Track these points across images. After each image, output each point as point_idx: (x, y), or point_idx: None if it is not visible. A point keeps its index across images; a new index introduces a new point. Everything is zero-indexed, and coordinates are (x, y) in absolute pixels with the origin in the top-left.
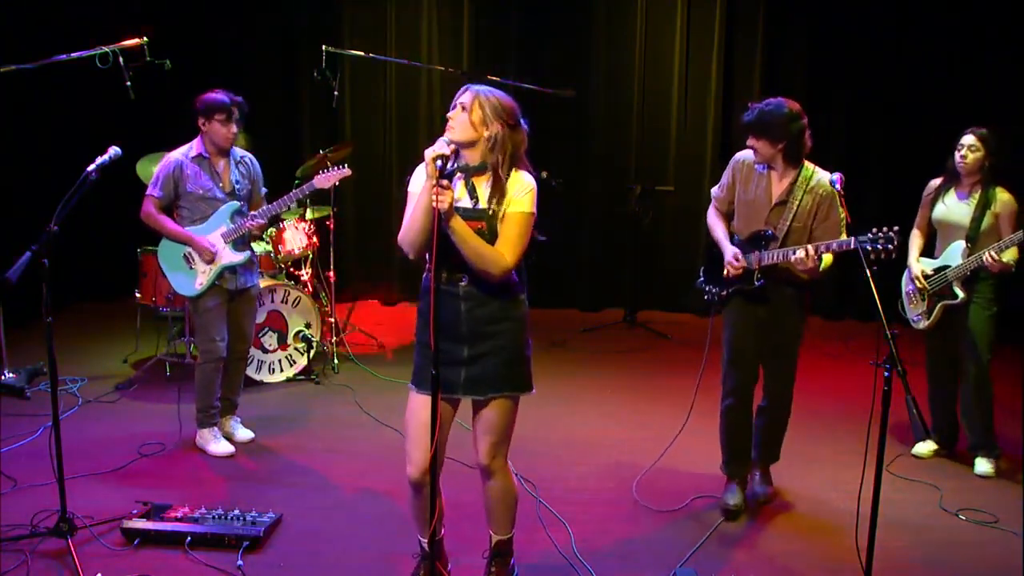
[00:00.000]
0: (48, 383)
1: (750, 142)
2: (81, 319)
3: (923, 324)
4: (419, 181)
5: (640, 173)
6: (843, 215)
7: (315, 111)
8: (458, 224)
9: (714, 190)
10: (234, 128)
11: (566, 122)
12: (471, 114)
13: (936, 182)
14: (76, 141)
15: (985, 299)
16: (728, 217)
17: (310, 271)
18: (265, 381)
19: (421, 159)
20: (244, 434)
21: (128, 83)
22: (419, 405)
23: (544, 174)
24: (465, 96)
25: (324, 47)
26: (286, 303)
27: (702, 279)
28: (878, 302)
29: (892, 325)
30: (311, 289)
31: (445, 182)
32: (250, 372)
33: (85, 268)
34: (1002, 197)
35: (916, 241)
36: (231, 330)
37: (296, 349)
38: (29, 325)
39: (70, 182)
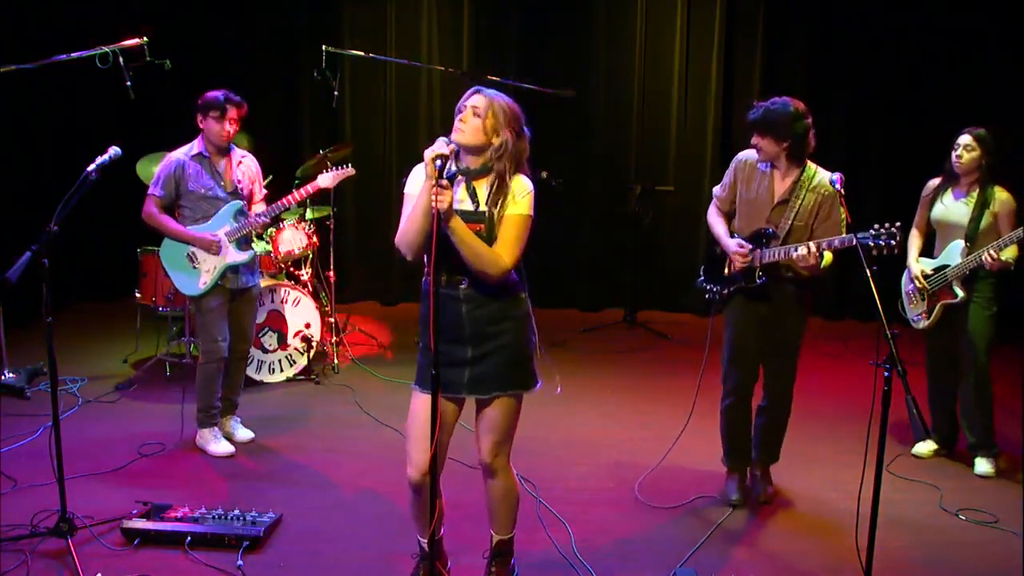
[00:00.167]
0: (48, 383)
1: (754, 140)
2: (81, 319)
3: (923, 324)
4: (416, 182)
5: (640, 173)
6: (844, 215)
7: (315, 111)
8: (457, 225)
9: (716, 189)
10: (228, 126)
11: (566, 122)
12: (485, 120)
13: (935, 182)
14: (76, 141)
15: (985, 298)
16: (729, 217)
17: (310, 271)
18: (265, 381)
19: (421, 159)
20: (244, 434)
21: (128, 83)
22: (421, 406)
23: (544, 174)
24: (478, 100)
25: (324, 47)
26: (286, 303)
27: (702, 278)
28: (878, 302)
29: (892, 325)
30: (311, 289)
31: (445, 182)
32: (250, 372)
33: (85, 268)
34: (1000, 196)
35: (915, 241)
36: (232, 330)
37: (296, 349)
38: (29, 325)
39: (70, 182)
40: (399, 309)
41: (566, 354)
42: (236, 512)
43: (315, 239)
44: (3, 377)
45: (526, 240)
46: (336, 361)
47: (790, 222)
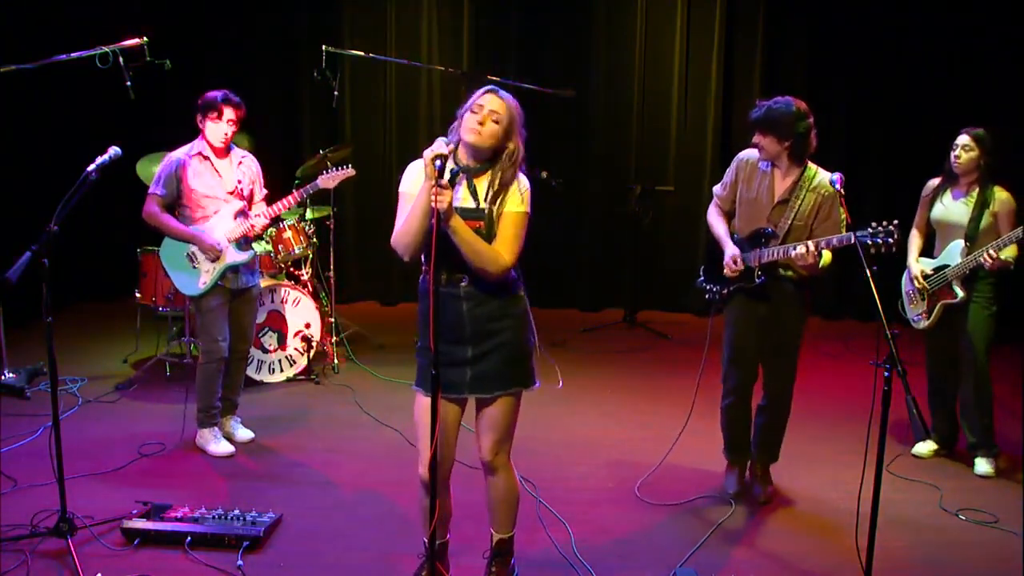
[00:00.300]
0: (48, 383)
1: (756, 139)
2: (81, 319)
3: (923, 324)
4: (413, 180)
5: (640, 173)
6: (843, 215)
7: (315, 111)
8: (457, 224)
9: (716, 188)
10: (225, 127)
11: (566, 122)
12: (505, 125)
13: (934, 182)
14: (76, 141)
15: (985, 299)
16: (729, 216)
17: (310, 271)
18: (265, 381)
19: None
20: (244, 434)
21: (128, 83)
22: (427, 406)
23: (544, 174)
24: (497, 105)
25: (324, 47)
26: (286, 303)
27: (702, 278)
28: (878, 302)
29: (892, 325)
30: (311, 289)
31: (444, 182)
32: (250, 372)
33: (85, 268)
34: (1000, 196)
35: (915, 241)
36: (232, 330)
37: (296, 349)
38: (29, 325)
39: (70, 182)
40: (399, 309)
41: (566, 354)
42: (236, 512)
43: (315, 239)
44: (3, 377)
45: (524, 237)
46: (336, 361)
47: (790, 222)
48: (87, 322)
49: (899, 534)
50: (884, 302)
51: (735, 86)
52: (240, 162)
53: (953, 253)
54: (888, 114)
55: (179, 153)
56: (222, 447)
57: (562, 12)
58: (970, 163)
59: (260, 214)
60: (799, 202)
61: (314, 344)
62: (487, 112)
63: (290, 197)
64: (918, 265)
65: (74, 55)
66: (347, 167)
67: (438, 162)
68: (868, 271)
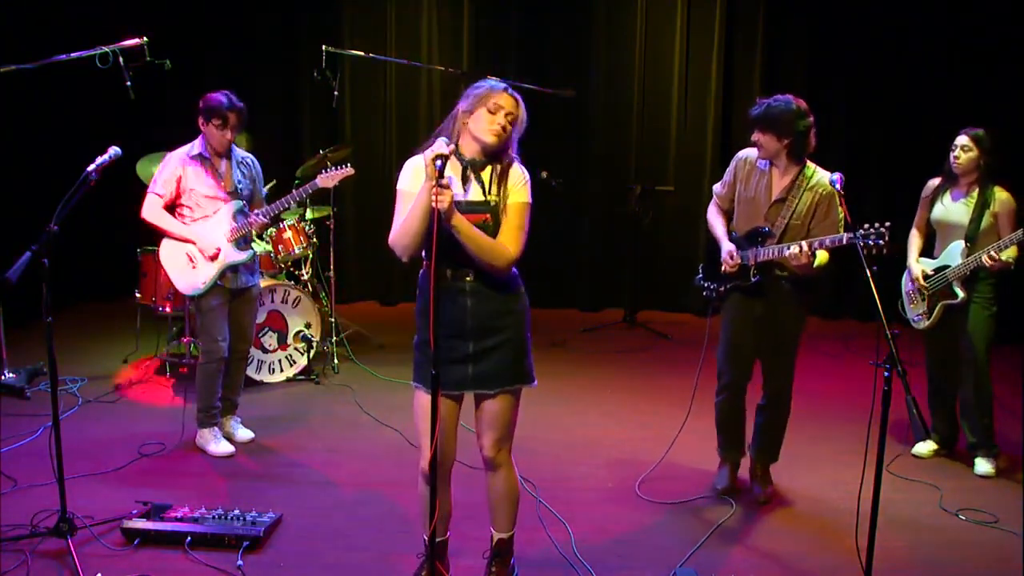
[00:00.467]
0: (48, 383)
1: (755, 136)
2: (81, 319)
3: (923, 324)
4: (410, 178)
5: (640, 173)
6: (842, 215)
7: (315, 111)
8: (460, 222)
9: (716, 187)
10: (229, 135)
11: (566, 122)
12: (517, 124)
13: (935, 182)
14: (76, 141)
15: (985, 299)
16: (729, 215)
17: (310, 271)
18: (265, 381)
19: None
20: (244, 434)
21: (128, 83)
22: (427, 403)
23: (544, 174)
24: (512, 105)
25: (324, 47)
26: (286, 303)
27: (701, 276)
28: (878, 302)
29: (892, 325)
30: (311, 289)
31: (445, 182)
32: (250, 372)
33: (85, 268)
34: (1000, 196)
35: (915, 241)
36: (232, 330)
37: (296, 349)
38: (29, 325)
39: (70, 182)
40: (399, 309)
41: (566, 354)
42: (236, 512)
43: (315, 239)
44: (3, 377)
45: (528, 228)
46: (336, 361)
47: (787, 220)
48: (87, 322)
49: (899, 534)
50: (884, 302)
51: (735, 86)
52: (240, 162)
53: (953, 254)
54: (888, 114)
55: (179, 153)
56: (222, 447)
57: (562, 12)
58: (969, 163)
59: (259, 214)
60: (796, 201)
61: (314, 344)
62: (505, 114)
63: (288, 197)
64: (918, 265)
65: (74, 55)
66: (347, 166)
67: (439, 162)
68: (868, 271)
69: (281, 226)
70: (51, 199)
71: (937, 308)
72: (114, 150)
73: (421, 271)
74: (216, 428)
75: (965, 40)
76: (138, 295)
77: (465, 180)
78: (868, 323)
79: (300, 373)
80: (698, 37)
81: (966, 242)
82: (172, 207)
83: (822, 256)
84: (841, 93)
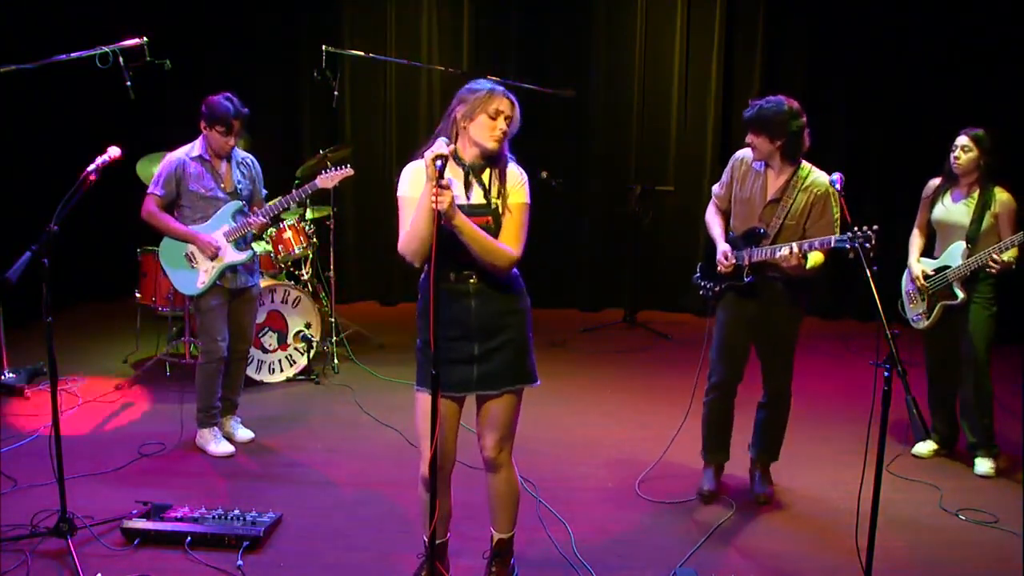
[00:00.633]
0: (48, 383)
1: (749, 138)
2: (81, 319)
3: (923, 324)
4: (410, 184)
5: (640, 173)
6: (838, 215)
7: (315, 111)
8: (462, 222)
9: (715, 187)
10: (231, 141)
11: (566, 122)
12: (514, 125)
13: (935, 182)
14: (76, 141)
15: (985, 299)
16: (727, 215)
17: (310, 271)
18: (265, 381)
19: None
20: (244, 434)
21: (128, 83)
22: (429, 404)
23: (544, 174)
24: (510, 108)
25: (324, 47)
26: (286, 303)
27: (698, 275)
28: (878, 302)
29: (892, 325)
30: (311, 289)
31: (444, 182)
32: (250, 372)
33: (85, 268)
34: (1001, 197)
35: (916, 241)
36: (232, 330)
37: (296, 349)
38: (29, 325)
39: (70, 182)
40: (399, 309)
41: (566, 354)
42: (236, 512)
43: (315, 239)
44: (3, 377)
45: (528, 228)
46: (336, 361)
47: (781, 221)
48: (87, 322)
49: (899, 534)
50: (884, 302)
51: (735, 86)
52: (240, 163)
53: (954, 254)
54: (888, 114)
55: (179, 153)
56: (222, 447)
57: (562, 12)
58: (969, 164)
59: (259, 214)
60: (791, 201)
61: (314, 344)
62: (505, 117)
63: (288, 197)
64: (919, 265)
65: (74, 55)
66: (346, 167)
67: (439, 162)
68: (868, 271)
69: (281, 226)
70: (51, 199)
71: (937, 308)
72: (114, 150)
73: (423, 274)
74: (216, 428)
75: (965, 40)
76: (138, 295)
77: (468, 185)
78: (868, 323)
79: (300, 373)
80: (698, 37)
81: (967, 243)
82: (172, 207)
83: (816, 257)
84: (841, 93)
